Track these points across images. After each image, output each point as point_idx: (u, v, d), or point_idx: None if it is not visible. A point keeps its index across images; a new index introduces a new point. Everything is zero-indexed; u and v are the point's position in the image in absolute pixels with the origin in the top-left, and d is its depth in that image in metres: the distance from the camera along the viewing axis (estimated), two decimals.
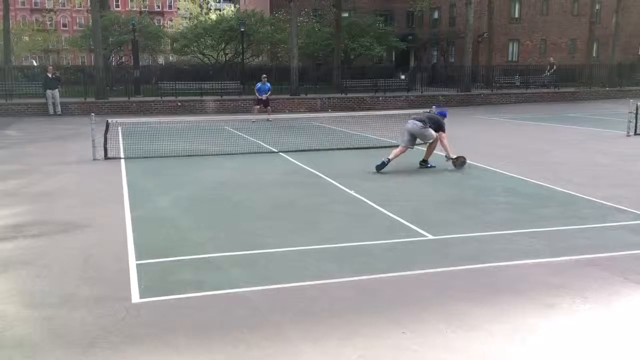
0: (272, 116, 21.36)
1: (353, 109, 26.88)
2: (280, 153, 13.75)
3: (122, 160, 12.69)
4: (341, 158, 13.17)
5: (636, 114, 16.45)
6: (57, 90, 24.71)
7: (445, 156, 11.49)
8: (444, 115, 11.97)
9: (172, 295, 5.20)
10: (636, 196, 8.96)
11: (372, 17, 40.88)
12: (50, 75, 24.76)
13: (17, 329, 4.60)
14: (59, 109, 24.73)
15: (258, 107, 23.25)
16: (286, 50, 35.54)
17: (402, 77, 34.59)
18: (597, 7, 39.93)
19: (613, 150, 13.97)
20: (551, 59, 37.13)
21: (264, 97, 23.40)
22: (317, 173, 11.18)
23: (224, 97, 28.04)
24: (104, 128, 13.02)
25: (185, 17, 63.96)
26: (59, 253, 6.47)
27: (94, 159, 12.82)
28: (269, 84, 23.73)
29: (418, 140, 11.64)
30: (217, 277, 5.69)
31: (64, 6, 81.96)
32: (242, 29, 34.29)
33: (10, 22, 35.46)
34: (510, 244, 6.68)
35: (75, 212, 8.32)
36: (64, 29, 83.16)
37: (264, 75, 24.21)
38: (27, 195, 9.53)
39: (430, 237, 6.94)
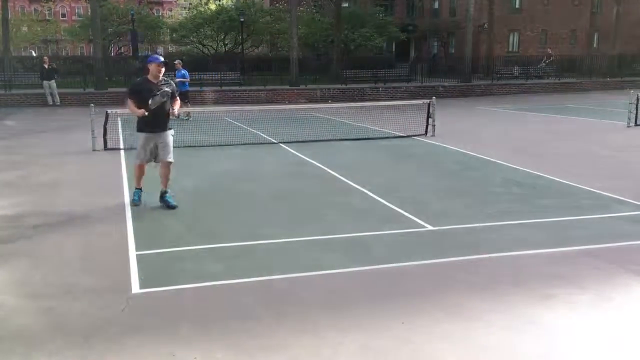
0: (194, 110, 18.23)
1: (353, 100, 26.85)
2: (281, 144, 13.73)
3: (122, 151, 12.67)
4: (341, 149, 13.16)
5: (636, 104, 16.42)
6: (53, 81, 24.64)
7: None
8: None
9: (172, 285, 5.21)
10: (636, 187, 8.96)
11: (372, 7, 40.72)
12: (46, 66, 24.69)
13: (17, 319, 4.61)
14: (57, 99, 24.68)
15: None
16: (286, 41, 35.40)
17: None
18: None
19: (613, 141, 13.95)
20: (549, 50, 37.01)
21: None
22: (317, 164, 11.16)
23: (224, 88, 27.98)
24: (103, 119, 12.99)
25: (185, 8, 63.68)
26: (59, 244, 6.48)
27: (94, 150, 12.80)
28: (183, 71, 18.87)
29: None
30: (217, 267, 5.69)
31: None
32: (242, 19, 34.19)
33: (9, 12, 35.32)
34: (510, 235, 6.69)
35: (75, 202, 8.32)
36: (63, 19, 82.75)
37: (178, 60, 19.58)
38: (27, 186, 9.52)
39: (430, 227, 6.95)
